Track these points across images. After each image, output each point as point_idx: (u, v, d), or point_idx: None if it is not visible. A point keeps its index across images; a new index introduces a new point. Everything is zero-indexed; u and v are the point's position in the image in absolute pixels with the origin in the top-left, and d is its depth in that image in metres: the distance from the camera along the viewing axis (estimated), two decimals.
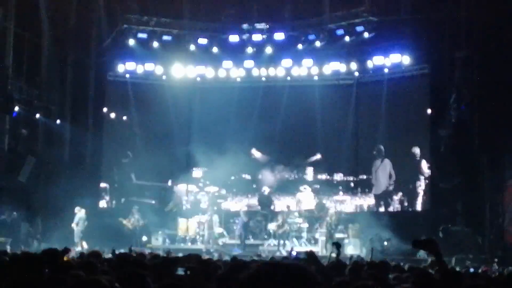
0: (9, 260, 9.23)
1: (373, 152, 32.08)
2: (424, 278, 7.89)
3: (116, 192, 33.45)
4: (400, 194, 31.18)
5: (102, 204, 33.04)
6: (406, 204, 30.93)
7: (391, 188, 31.51)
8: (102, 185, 33.24)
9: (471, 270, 16.72)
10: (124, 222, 29.76)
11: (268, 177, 33.87)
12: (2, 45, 28.01)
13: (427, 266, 16.62)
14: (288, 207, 31.49)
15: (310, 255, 9.70)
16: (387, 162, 31.68)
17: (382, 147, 31.76)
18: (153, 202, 32.47)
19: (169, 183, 33.77)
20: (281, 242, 29.08)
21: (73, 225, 28.45)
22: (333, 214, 28.86)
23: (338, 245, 11.56)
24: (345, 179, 33.24)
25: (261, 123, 32.95)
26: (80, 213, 28.65)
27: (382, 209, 31.76)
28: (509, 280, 8.73)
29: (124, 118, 33.56)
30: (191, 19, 32.70)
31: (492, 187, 26.45)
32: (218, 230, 30.77)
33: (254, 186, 34.05)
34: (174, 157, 32.75)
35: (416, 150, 30.54)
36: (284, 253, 26.00)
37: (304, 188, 33.13)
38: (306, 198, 32.71)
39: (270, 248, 28.93)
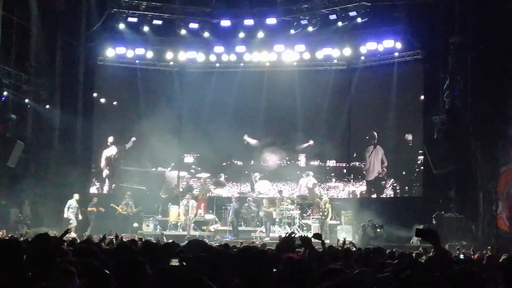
0: None
1: (366, 137, 31.95)
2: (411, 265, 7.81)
3: (106, 178, 33.25)
4: (392, 180, 31.10)
5: (93, 190, 32.79)
6: (399, 190, 30.86)
7: (383, 174, 31.43)
8: (93, 170, 33.04)
9: (461, 256, 16.60)
10: (118, 208, 29.61)
11: (261, 163, 33.79)
12: None
13: (419, 253, 16.58)
14: (280, 192, 31.39)
15: (304, 240, 9.46)
16: (379, 148, 31.58)
17: (375, 133, 31.63)
18: (144, 188, 32.24)
19: (159, 168, 33.63)
20: (268, 227, 29.12)
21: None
22: (326, 201, 28.80)
23: (318, 236, 11.40)
24: (338, 165, 33.08)
25: (253, 108, 32.94)
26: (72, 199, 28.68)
27: (374, 195, 31.72)
28: (502, 265, 8.63)
29: (114, 103, 33.33)
30: (182, 4, 32.41)
31: (486, 174, 26.35)
32: (209, 216, 30.80)
33: (246, 172, 33.90)
34: (165, 143, 32.42)
35: (409, 137, 30.51)
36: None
37: (308, 174, 32.98)
38: (308, 184, 32.54)
39: (262, 234, 28.85)
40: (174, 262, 7.82)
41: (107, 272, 5.68)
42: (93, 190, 32.72)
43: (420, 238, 25.34)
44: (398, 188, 30.90)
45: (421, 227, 25.78)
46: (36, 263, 6.40)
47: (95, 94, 33.06)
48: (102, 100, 33.27)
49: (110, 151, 33.32)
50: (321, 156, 33.22)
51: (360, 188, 32.47)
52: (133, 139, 33.26)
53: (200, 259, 7.08)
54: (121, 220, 29.45)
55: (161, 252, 8.65)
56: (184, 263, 7.15)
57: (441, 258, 6.46)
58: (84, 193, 30.84)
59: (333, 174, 33.09)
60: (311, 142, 33.32)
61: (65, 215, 28.46)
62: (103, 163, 33.27)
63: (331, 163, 33.18)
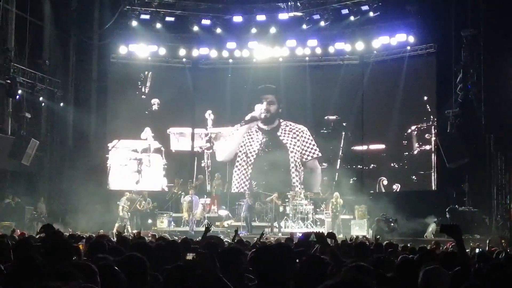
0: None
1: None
2: (428, 255, 7.89)
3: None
4: (406, 174, 30.99)
5: (107, 186, 32.94)
6: (412, 184, 30.70)
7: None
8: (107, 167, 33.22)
9: (478, 250, 16.53)
10: (126, 206, 29.64)
11: None
12: (4, 28, 27.88)
13: (432, 246, 16.61)
14: (293, 187, 31.45)
15: (319, 236, 9.47)
16: None
17: None
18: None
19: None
20: (275, 224, 29.31)
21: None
22: (338, 196, 28.74)
23: (332, 235, 11.39)
24: None
25: (266, 104, 33.18)
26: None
27: (388, 189, 31.56)
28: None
29: (127, 99, 33.37)
30: (194, 0, 32.48)
31: (499, 167, 26.30)
32: (222, 212, 30.92)
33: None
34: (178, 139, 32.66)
35: (423, 130, 30.36)
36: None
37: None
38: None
39: (275, 229, 28.94)
40: (189, 256, 7.87)
41: (117, 269, 5.74)
42: (107, 186, 32.83)
43: (434, 232, 25.54)
44: (411, 181, 30.77)
45: (434, 220, 25.95)
46: (50, 261, 6.43)
47: (108, 91, 33.14)
48: (115, 97, 33.30)
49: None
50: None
51: None
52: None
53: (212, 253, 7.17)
54: (138, 216, 29.60)
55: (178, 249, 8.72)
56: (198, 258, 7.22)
57: (462, 254, 6.61)
58: (99, 189, 30.97)
59: None
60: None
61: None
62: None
63: None
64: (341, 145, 32.79)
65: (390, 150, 31.67)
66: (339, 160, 32.87)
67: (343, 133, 32.81)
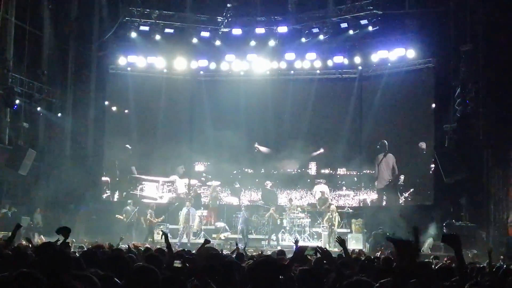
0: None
1: (376, 146, 31.83)
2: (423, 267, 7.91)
3: (117, 186, 33.28)
4: (403, 188, 30.96)
5: (104, 197, 32.85)
6: (409, 198, 30.71)
7: (394, 182, 31.29)
8: (104, 178, 33.04)
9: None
10: (122, 218, 29.40)
11: (271, 171, 33.78)
12: (3, 38, 27.90)
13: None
14: (290, 200, 31.39)
15: (324, 252, 9.44)
16: (390, 156, 31.42)
17: (385, 142, 31.50)
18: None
19: (172, 177, 33.70)
20: (273, 237, 29.26)
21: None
22: (334, 209, 28.70)
23: (342, 241, 11.33)
24: (348, 173, 32.95)
25: (264, 116, 33.01)
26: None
27: (385, 203, 31.54)
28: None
29: (126, 111, 33.39)
30: (194, 12, 32.52)
31: (497, 182, 26.28)
32: (219, 224, 30.84)
33: (257, 180, 33.83)
34: (175, 151, 32.54)
35: (423, 145, 30.32)
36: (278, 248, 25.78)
37: (320, 181, 32.95)
38: (325, 190, 32.42)
39: (273, 242, 28.88)
40: (177, 264, 7.80)
41: (118, 280, 5.70)
42: (104, 197, 32.79)
43: (431, 247, 25.51)
44: (409, 196, 30.76)
45: (431, 234, 25.85)
46: (47, 273, 6.36)
47: (106, 102, 33.11)
48: (114, 108, 33.32)
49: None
50: (332, 164, 33.14)
51: (371, 196, 32.36)
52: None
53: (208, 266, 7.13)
54: (144, 230, 29.40)
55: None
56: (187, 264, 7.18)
57: (460, 264, 6.64)
58: (95, 201, 30.91)
59: (343, 182, 32.99)
60: (321, 150, 33.26)
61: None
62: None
63: (342, 171, 33.07)
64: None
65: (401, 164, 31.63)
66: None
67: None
